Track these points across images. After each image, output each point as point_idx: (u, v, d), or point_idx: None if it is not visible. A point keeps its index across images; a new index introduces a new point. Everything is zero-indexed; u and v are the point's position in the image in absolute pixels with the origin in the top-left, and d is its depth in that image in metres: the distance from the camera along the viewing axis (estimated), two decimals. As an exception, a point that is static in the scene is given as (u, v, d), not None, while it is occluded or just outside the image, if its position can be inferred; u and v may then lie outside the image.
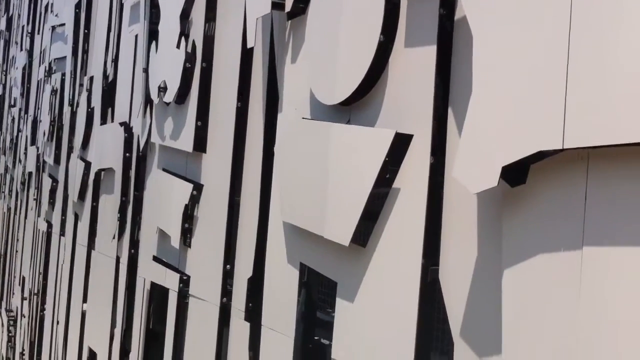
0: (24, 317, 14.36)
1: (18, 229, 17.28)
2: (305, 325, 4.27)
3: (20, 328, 14.71)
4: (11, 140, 20.11)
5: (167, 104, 6.35)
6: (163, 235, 6.56)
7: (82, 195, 10.20)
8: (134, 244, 7.61)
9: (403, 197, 3.37)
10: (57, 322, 11.35)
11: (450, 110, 3.14)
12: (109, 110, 9.24)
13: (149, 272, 6.88)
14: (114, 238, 8.14)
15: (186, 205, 5.84)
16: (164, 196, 6.43)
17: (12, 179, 19.47)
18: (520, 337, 2.63)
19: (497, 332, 2.72)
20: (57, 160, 12.56)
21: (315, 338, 4.34)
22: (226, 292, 5.28)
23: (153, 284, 6.98)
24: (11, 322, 16.31)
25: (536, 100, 2.44)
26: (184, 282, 5.90)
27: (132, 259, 7.61)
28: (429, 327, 3.29)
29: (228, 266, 5.29)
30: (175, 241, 5.99)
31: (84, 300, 9.54)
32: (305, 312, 4.27)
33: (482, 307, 2.92)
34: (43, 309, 12.62)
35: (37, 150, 14.66)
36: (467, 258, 3.00)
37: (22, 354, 14.23)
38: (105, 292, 8.39)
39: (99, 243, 9.23)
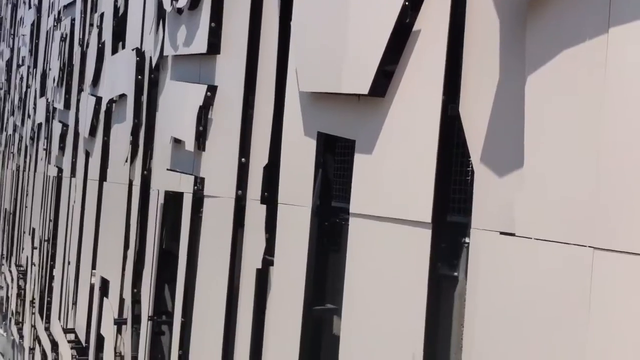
0: (34, 265, 14.42)
1: (27, 184, 17.33)
2: (322, 192, 4.28)
3: (31, 277, 14.78)
4: (20, 99, 20.14)
5: (180, 11, 6.34)
6: (177, 147, 6.58)
7: (92, 132, 10.23)
8: (147, 164, 7.63)
9: (423, 40, 3.37)
10: (69, 263, 11.41)
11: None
12: (120, 44, 9.24)
13: (163, 183, 6.91)
14: (126, 162, 8.16)
15: (200, 107, 5.85)
16: (178, 104, 6.45)
17: (20, 137, 19.51)
18: (541, 146, 2.63)
19: (517, 157, 2.73)
20: (67, 105, 12.59)
21: (333, 206, 4.36)
22: (241, 184, 5.30)
23: (167, 199, 7.01)
24: (21, 276, 16.38)
25: None
26: (199, 184, 5.92)
27: (145, 181, 7.64)
28: (449, 162, 3.31)
29: (243, 159, 5.30)
30: (190, 145, 6.00)
31: (96, 233, 9.58)
32: (322, 181, 4.28)
33: (502, 136, 2.92)
34: (54, 257, 12.69)
35: (47, 100, 14.68)
36: (488, 92, 3.01)
37: (32, 302, 14.30)
38: (117, 219, 8.42)
39: (110, 174, 9.26)
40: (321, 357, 4.54)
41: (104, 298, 8.53)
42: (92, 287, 9.35)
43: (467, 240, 3.36)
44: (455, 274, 3.57)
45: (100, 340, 8.83)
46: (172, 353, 6.36)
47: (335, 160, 4.57)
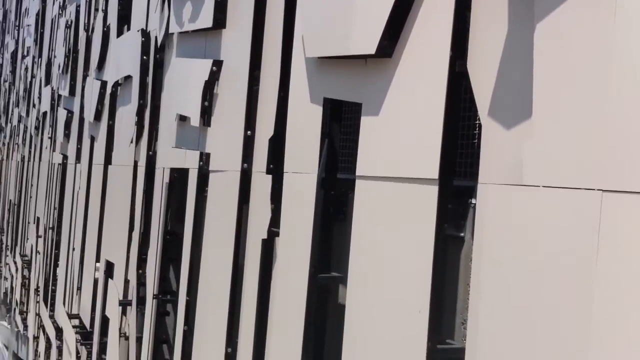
0: (39, 253, 14.44)
1: (32, 175, 17.35)
2: (328, 160, 4.27)
3: (35, 265, 14.79)
4: (25, 89, 20.16)
5: (186, -13, 6.34)
6: (182, 125, 6.57)
7: (98, 116, 10.23)
8: (152, 145, 7.63)
9: (430, -2, 3.35)
10: (73, 249, 11.42)
11: None
12: (125, 27, 9.25)
13: (168, 161, 6.91)
14: (131, 142, 8.16)
15: (206, 82, 5.84)
16: (183, 81, 6.44)
17: (25, 128, 19.52)
18: (550, 93, 2.62)
19: (525, 110, 2.72)
20: (72, 91, 12.60)
21: (339, 177, 4.35)
22: (247, 158, 5.28)
23: (171, 179, 7.01)
24: (25, 265, 16.39)
25: None
26: (204, 159, 5.91)
27: (150, 161, 7.63)
28: (456, 119, 3.29)
29: (249, 132, 5.29)
30: (195, 121, 5.99)
31: (101, 216, 9.58)
32: (328, 148, 4.27)
33: (511, 90, 2.90)
34: (58, 245, 12.70)
35: (52, 89, 14.69)
36: (496, 45, 2.99)
37: (36, 290, 14.31)
38: (122, 201, 8.42)
39: (115, 157, 9.26)
40: (327, 326, 4.53)
41: (109, 279, 8.52)
42: (95, 280, 9.36)
43: (473, 201, 3.35)
44: (462, 234, 3.56)
45: (105, 323, 8.83)
46: (177, 328, 6.36)
47: (341, 132, 4.57)
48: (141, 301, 7.54)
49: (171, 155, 6.79)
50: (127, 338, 7.65)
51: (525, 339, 2.63)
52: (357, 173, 3.77)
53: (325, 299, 4.47)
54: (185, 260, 6.42)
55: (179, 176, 6.95)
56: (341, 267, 4.28)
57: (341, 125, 4.53)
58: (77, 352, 9.99)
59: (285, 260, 4.64)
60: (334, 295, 4.48)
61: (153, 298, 6.94)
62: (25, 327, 16.15)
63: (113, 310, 8.14)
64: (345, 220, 4.45)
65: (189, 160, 6.21)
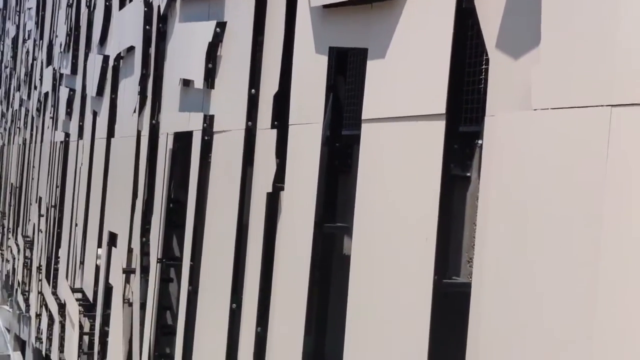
0: (41, 232, 14.46)
1: (34, 157, 17.37)
2: (333, 112, 4.28)
3: (37, 244, 14.82)
4: (26, 73, 20.16)
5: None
6: (185, 89, 6.57)
7: (100, 91, 10.24)
8: (155, 115, 7.63)
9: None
10: (76, 225, 11.44)
11: None
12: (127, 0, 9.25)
13: (172, 126, 6.92)
14: (134, 112, 8.17)
15: (209, 44, 5.84)
16: (186, 45, 6.45)
17: (27, 111, 19.54)
18: (559, 17, 2.63)
19: (533, 35, 2.73)
20: (74, 69, 12.61)
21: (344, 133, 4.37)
22: (251, 116, 5.29)
23: (175, 148, 7.02)
24: (27, 245, 16.43)
25: None
26: (208, 121, 5.92)
27: (154, 130, 7.64)
28: (463, 55, 3.30)
29: (253, 90, 5.30)
30: (199, 83, 6.00)
31: (104, 190, 9.60)
32: (333, 101, 4.28)
33: (518, 21, 2.91)
34: (61, 223, 12.72)
35: (53, 69, 14.71)
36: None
37: (39, 268, 14.35)
38: (125, 172, 8.44)
39: (118, 129, 9.28)
40: (332, 278, 4.54)
41: (112, 248, 8.55)
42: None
43: (479, 141, 3.36)
44: (468, 174, 3.58)
45: (108, 293, 8.86)
46: (181, 289, 6.38)
47: (346, 82, 4.58)
48: (145, 270, 7.56)
49: (174, 120, 6.80)
50: (130, 304, 7.68)
51: (534, 273, 2.64)
52: (363, 117, 3.78)
53: (331, 249, 4.48)
54: (189, 226, 6.43)
55: (182, 145, 6.96)
56: (346, 219, 4.30)
57: (346, 78, 4.54)
58: (81, 325, 10.02)
59: (290, 213, 4.65)
60: (339, 245, 4.50)
61: (157, 262, 6.96)
62: (28, 307, 16.19)
63: (117, 279, 8.17)
64: (350, 173, 4.47)
65: (193, 123, 6.22)
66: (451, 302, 3.18)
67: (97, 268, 9.39)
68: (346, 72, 4.58)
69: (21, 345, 23.97)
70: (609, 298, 2.31)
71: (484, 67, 3.61)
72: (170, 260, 7.11)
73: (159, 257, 6.99)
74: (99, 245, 9.45)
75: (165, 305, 7.33)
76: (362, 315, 3.76)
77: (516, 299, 2.71)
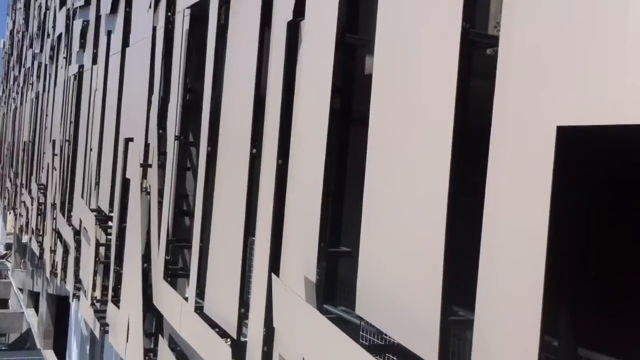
0: (55, 169, 14.49)
1: (47, 105, 17.39)
2: None
3: (52, 183, 14.84)
4: (39, 26, 20.18)
5: None
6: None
7: (114, 8, 10.25)
8: (171, 7, 7.64)
9: None
10: (91, 150, 11.46)
11: None
12: None
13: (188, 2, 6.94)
14: (150, 8, 8.17)
15: None
16: None
17: (39, 64, 19.57)
18: None
19: None
20: (87, 0, 12.62)
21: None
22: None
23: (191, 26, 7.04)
24: (41, 191, 16.47)
25: None
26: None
27: (169, 23, 7.65)
28: None
29: None
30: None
31: (119, 99, 9.61)
32: None
33: None
34: (75, 158, 12.74)
35: (66, 9, 14.72)
36: None
37: (53, 205, 14.37)
38: (141, 72, 8.44)
39: (132, 37, 9.28)
40: (353, 98, 4.55)
41: (129, 143, 8.57)
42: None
43: None
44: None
45: (123, 210, 8.84)
46: (200, 152, 6.39)
47: None
48: (162, 162, 7.56)
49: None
50: (148, 193, 7.68)
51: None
52: None
53: (352, 66, 4.48)
54: (206, 111, 6.43)
55: (197, 26, 6.98)
56: (368, 34, 4.29)
57: None
58: (97, 241, 10.03)
59: (310, 38, 4.65)
60: (360, 62, 4.50)
61: (175, 139, 6.98)
62: (42, 251, 16.22)
63: (134, 172, 8.17)
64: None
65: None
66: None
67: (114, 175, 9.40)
68: None
69: (34, 302, 24.14)
70: None
71: None
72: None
73: (177, 134, 7.03)
74: (114, 156, 9.47)
75: (183, 194, 7.37)
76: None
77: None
